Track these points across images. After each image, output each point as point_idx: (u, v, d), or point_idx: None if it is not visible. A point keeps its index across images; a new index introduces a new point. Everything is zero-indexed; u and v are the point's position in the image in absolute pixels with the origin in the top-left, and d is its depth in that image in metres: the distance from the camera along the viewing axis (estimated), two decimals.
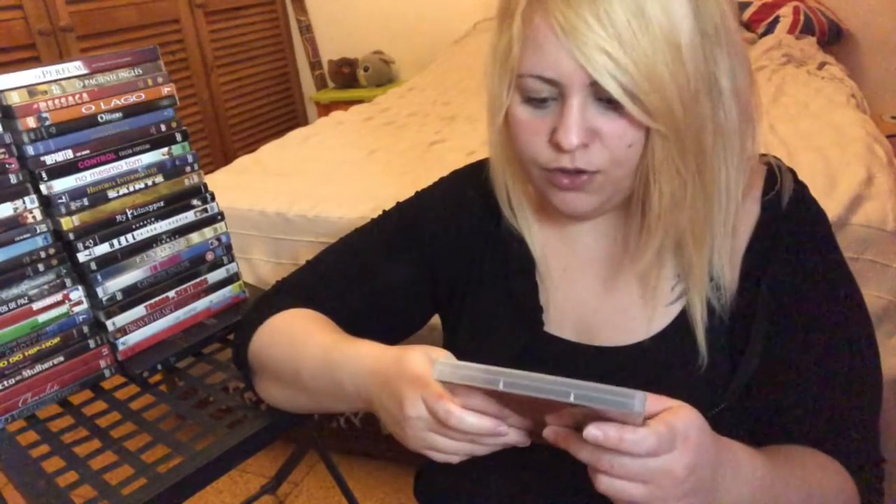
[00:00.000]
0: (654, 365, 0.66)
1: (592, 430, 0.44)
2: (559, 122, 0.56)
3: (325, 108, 3.33)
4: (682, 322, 0.65)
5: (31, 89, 0.81)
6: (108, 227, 0.89)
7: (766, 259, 0.64)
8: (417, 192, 0.80)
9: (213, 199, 0.99)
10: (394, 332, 0.77)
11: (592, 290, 0.69)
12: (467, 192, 0.75)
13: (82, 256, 0.87)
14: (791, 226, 0.65)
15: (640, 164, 0.57)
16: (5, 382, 0.83)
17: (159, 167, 0.93)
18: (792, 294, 0.64)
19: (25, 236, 0.83)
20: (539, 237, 0.71)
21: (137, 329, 0.93)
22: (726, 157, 0.59)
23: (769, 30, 2.47)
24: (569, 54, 0.53)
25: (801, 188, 0.66)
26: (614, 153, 0.56)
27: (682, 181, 0.57)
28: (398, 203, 0.81)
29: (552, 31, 0.53)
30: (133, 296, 0.92)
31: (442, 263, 0.74)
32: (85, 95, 0.85)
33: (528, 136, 0.59)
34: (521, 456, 0.72)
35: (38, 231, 0.84)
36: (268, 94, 3.53)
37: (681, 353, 0.64)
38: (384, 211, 0.81)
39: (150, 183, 0.93)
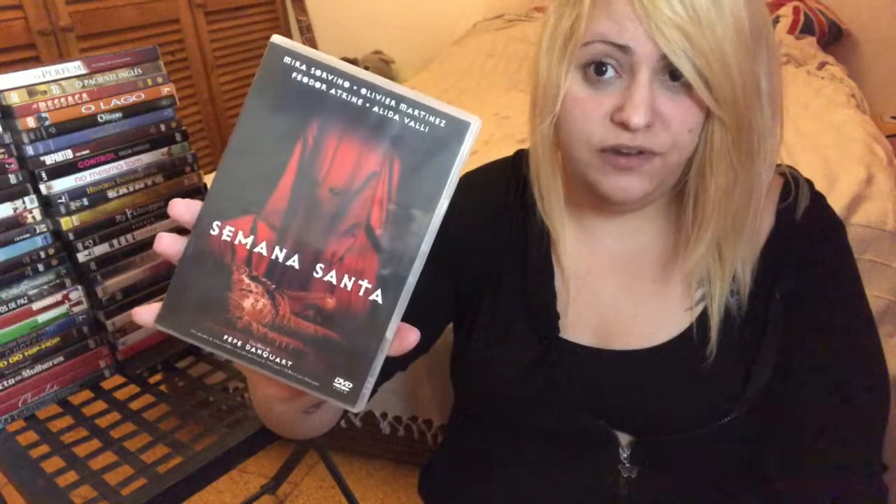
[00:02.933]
0: (670, 370, 0.65)
1: None
2: (625, 99, 0.55)
3: None
4: (700, 327, 0.65)
5: (30, 89, 0.81)
6: (107, 227, 0.89)
7: (779, 268, 0.64)
8: None
9: None
10: (420, 344, 0.75)
11: (613, 293, 0.69)
12: (493, 187, 0.74)
13: (82, 256, 0.87)
14: (804, 236, 0.64)
15: (696, 153, 0.58)
16: (5, 382, 0.83)
17: (159, 167, 0.93)
18: (803, 305, 0.64)
19: (25, 236, 0.83)
20: (566, 237, 0.70)
21: (137, 329, 0.93)
22: (764, 156, 0.59)
23: None
24: (646, 31, 0.53)
25: (817, 199, 0.66)
26: (675, 137, 0.56)
27: (734, 174, 0.58)
28: None
29: (631, 6, 0.53)
30: (133, 296, 0.92)
31: (465, 264, 0.73)
32: (84, 95, 0.85)
33: (587, 115, 0.58)
34: (527, 452, 0.72)
35: (38, 231, 0.84)
36: None
37: (697, 359, 0.64)
38: None
39: (149, 183, 0.92)
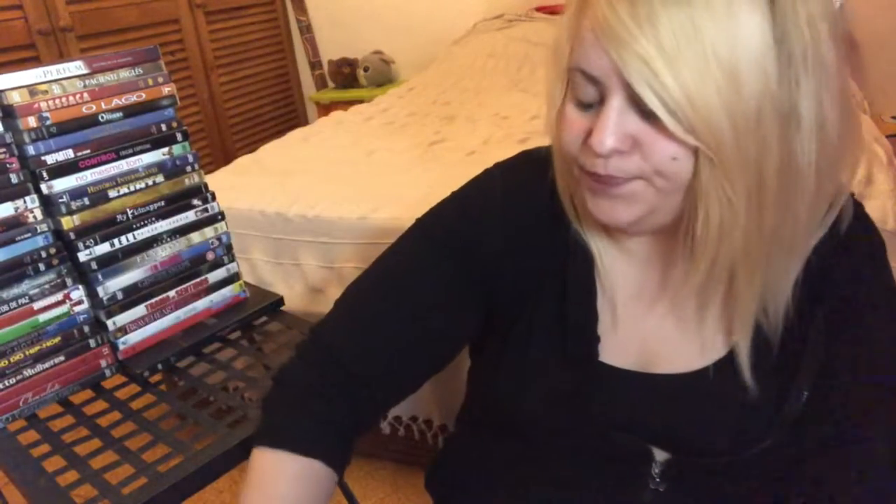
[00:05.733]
0: (708, 395, 0.64)
1: None
2: (596, 123, 0.53)
3: (325, 108, 3.33)
4: (739, 353, 0.63)
5: (31, 89, 0.81)
6: (108, 227, 0.89)
7: (821, 288, 0.62)
8: (455, 194, 0.72)
9: (213, 198, 0.99)
10: (435, 362, 0.72)
11: (654, 313, 0.66)
12: (535, 197, 0.68)
13: (83, 256, 0.87)
14: (849, 253, 0.62)
15: (692, 182, 0.53)
16: (6, 382, 0.83)
17: (160, 167, 0.93)
18: (845, 325, 0.62)
19: (26, 236, 0.83)
20: (605, 251, 0.66)
21: (138, 328, 0.93)
22: (796, 194, 0.53)
23: None
24: (606, 55, 0.51)
25: (861, 215, 0.63)
26: (657, 165, 0.53)
27: (733, 211, 0.52)
28: (431, 210, 0.73)
29: (592, 31, 0.51)
30: (133, 295, 0.92)
31: (503, 281, 0.68)
32: (85, 95, 0.85)
33: (569, 136, 0.57)
34: (552, 460, 0.71)
35: (39, 231, 0.84)
36: (268, 94, 3.53)
37: (735, 385, 0.63)
38: (417, 220, 0.73)
39: (150, 183, 0.93)
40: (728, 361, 0.64)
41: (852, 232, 0.62)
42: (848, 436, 0.62)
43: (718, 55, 0.48)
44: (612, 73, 0.51)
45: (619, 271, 0.67)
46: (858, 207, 0.63)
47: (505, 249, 0.67)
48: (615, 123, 0.52)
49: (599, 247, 0.66)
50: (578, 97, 0.56)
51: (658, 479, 0.67)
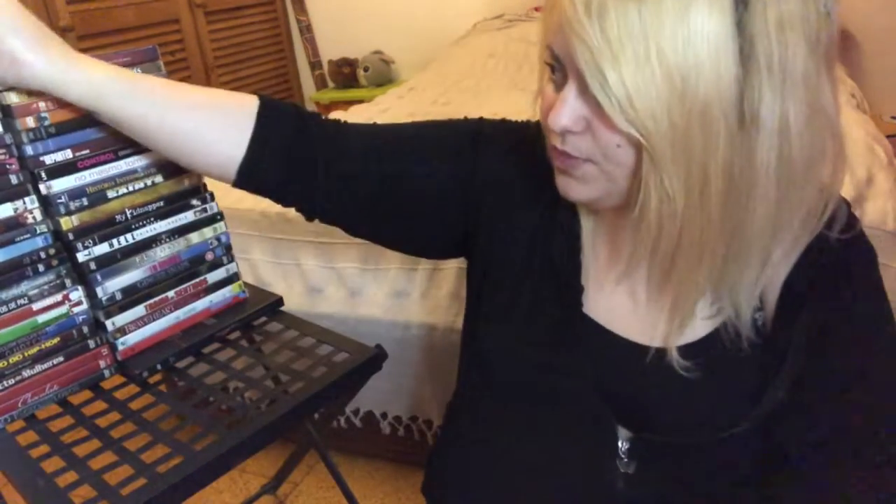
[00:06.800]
0: (680, 375, 0.64)
1: None
2: (556, 102, 0.57)
3: (325, 108, 3.34)
4: (714, 338, 0.64)
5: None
6: (107, 227, 0.89)
7: (808, 293, 0.62)
8: (504, 120, 0.81)
9: (212, 198, 0.99)
10: (408, 233, 0.79)
11: (635, 285, 0.68)
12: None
13: (82, 256, 0.87)
14: (839, 261, 0.62)
15: (635, 169, 0.55)
16: (5, 383, 0.83)
17: (158, 167, 0.93)
18: (830, 331, 0.63)
19: (25, 236, 0.83)
20: (588, 220, 0.70)
21: (137, 329, 0.93)
22: (750, 197, 0.54)
23: None
24: (565, 41, 0.53)
25: (854, 222, 0.63)
26: (604, 150, 0.56)
27: (671, 204, 0.54)
28: (482, 118, 0.83)
29: (558, 18, 0.54)
30: (133, 296, 0.92)
31: (489, 209, 0.73)
32: None
33: (541, 110, 0.61)
34: (528, 440, 0.72)
35: (38, 231, 0.84)
36: (268, 94, 3.52)
37: (708, 369, 0.64)
38: (465, 117, 0.84)
39: (149, 183, 0.92)
40: (702, 345, 0.65)
41: (842, 243, 0.62)
42: (823, 439, 0.63)
43: (663, 55, 0.49)
44: (570, 58, 0.53)
45: (600, 236, 0.70)
46: (851, 217, 0.63)
47: (498, 190, 0.73)
48: (570, 105, 0.55)
49: (583, 214, 0.70)
50: (550, 74, 0.59)
51: (626, 459, 0.68)
